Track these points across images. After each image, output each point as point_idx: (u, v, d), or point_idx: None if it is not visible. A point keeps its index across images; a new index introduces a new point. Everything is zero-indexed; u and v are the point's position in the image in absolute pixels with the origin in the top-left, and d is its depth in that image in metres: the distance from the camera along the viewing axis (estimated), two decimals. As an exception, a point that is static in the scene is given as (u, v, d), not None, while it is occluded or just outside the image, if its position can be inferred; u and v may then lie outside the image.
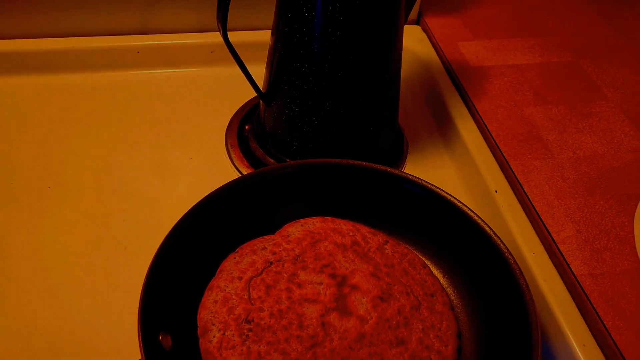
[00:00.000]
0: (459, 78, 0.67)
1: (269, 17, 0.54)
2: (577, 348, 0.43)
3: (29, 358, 0.43)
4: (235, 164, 0.60)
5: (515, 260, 0.43)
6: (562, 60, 0.70)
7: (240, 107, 0.67)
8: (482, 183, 0.56)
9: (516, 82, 0.67)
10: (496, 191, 0.55)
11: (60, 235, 0.52)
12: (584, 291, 0.46)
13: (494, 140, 0.59)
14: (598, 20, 0.78)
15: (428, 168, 0.61)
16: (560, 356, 0.44)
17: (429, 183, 0.49)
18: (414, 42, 0.73)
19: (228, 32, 0.52)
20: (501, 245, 0.45)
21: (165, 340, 0.40)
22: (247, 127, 0.64)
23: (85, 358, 0.39)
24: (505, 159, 0.57)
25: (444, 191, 0.48)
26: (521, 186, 0.55)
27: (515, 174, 0.56)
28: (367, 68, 0.53)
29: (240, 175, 0.58)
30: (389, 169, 0.50)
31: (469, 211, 0.47)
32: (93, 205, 0.55)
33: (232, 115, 0.66)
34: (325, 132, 0.55)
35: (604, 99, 0.65)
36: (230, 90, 0.68)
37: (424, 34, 0.75)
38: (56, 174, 0.57)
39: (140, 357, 0.37)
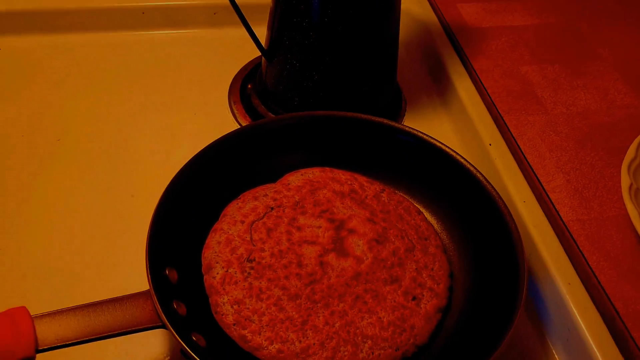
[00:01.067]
0: (457, 39, 0.68)
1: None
2: (562, 286, 0.45)
3: (45, 291, 0.46)
4: (238, 119, 0.61)
5: (504, 203, 0.45)
6: (558, 21, 0.71)
7: (242, 67, 0.68)
8: (477, 137, 0.58)
9: (513, 42, 0.68)
10: (490, 144, 0.57)
11: (71, 182, 0.54)
12: (571, 235, 0.48)
13: (490, 97, 0.61)
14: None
15: (425, 124, 0.62)
16: (547, 295, 0.46)
17: (424, 133, 0.51)
18: (414, 4, 0.74)
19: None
20: (491, 190, 0.47)
21: (172, 274, 0.42)
22: (249, 86, 0.66)
23: (98, 290, 0.41)
24: (500, 115, 0.59)
25: (437, 141, 0.50)
26: (515, 140, 0.56)
27: (510, 128, 0.57)
28: (365, 23, 0.54)
29: (242, 130, 0.60)
30: (385, 120, 0.52)
31: (461, 159, 0.49)
32: (101, 157, 0.57)
33: (234, 74, 0.67)
34: (325, 87, 0.57)
35: (598, 59, 0.66)
36: (232, 51, 0.70)
37: (423, -3, 0.76)
38: (65, 129, 0.59)
39: (147, 288, 0.39)
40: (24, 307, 0.35)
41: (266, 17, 0.58)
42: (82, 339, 0.35)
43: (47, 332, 0.35)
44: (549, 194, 0.51)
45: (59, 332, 0.35)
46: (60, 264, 0.48)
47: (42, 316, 0.35)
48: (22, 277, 0.47)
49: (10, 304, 0.36)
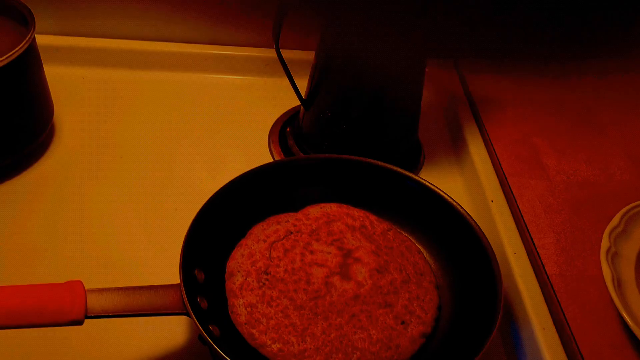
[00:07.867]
0: (477, 106, 0.76)
1: (315, 40, 0.65)
2: (538, 330, 0.51)
3: (97, 273, 0.55)
4: (274, 155, 0.70)
5: (493, 252, 0.52)
6: (573, 98, 0.78)
7: (284, 113, 0.78)
8: (482, 194, 0.65)
9: (528, 115, 0.75)
10: (492, 201, 0.63)
11: (128, 192, 0.65)
12: (552, 287, 0.54)
13: (498, 160, 0.68)
14: (613, 67, 0.85)
15: (439, 177, 0.70)
16: (525, 336, 0.52)
17: (432, 184, 0.58)
18: (443, 73, 0.82)
19: (280, 49, 0.64)
20: (484, 239, 0.53)
21: (200, 275, 0.50)
22: (287, 129, 0.75)
23: (138, 278, 0.49)
24: (505, 176, 0.66)
25: (441, 191, 0.57)
26: (515, 199, 0.63)
27: (512, 189, 0.64)
28: (391, 86, 0.63)
29: (276, 166, 0.69)
30: (398, 168, 0.60)
31: (460, 209, 0.56)
32: (153, 174, 0.67)
33: (276, 118, 0.77)
34: (351, 136, 0.66)
35: (606, 136, 0.73)
36: (277, 97, 0.79)
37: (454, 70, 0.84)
38: (127, 149, 0.70)
39: (178, 282, 0.47)
40: (80, 281, 0.44)
41: (308, 71, 0.68)
42: (121, 314, 0.43)
43: (95, 303, 0.43)
44: (538, 249, 0.57)
45: (105, 305, 0.43)
46: (113, 254, 0.58)
47: (93, 290, 0.44)
48: (81, 260, 0.57)
49: (70, 278, 0.44)
